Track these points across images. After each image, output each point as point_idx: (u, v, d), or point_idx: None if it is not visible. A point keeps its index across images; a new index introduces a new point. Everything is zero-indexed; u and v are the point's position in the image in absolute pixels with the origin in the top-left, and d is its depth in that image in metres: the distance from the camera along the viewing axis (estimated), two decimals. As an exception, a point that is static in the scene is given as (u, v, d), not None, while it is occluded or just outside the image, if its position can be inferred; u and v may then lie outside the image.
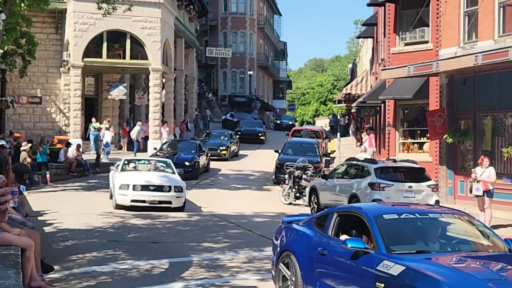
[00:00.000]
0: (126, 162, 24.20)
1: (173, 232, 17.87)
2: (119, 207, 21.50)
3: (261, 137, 52.30)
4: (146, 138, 39.16)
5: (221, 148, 39.67)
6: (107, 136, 36.58)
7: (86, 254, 14.50)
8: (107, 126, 37.08)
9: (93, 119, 37.95)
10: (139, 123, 39.92)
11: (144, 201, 21.47)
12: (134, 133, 38.35)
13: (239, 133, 49.92)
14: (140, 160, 26.01)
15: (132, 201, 21.37)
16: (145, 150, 37.56)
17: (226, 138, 41.71)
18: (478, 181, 19.25)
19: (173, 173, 23.76)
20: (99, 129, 36.73)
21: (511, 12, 22.08)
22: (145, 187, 21.69)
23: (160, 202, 21.59)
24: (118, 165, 24.10)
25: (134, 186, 21.51)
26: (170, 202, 21.69)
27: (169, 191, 21.75)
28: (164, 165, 24.68)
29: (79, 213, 20.87)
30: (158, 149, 34.22)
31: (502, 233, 18.66)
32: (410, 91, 27.08)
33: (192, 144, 34.41)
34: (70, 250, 15.03)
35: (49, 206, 22.05)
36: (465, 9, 24.16)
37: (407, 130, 28.99)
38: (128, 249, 15.24)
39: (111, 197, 23.25)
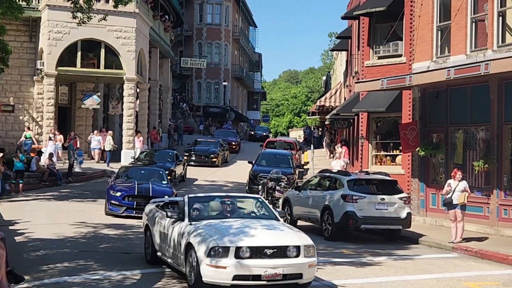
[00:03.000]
0: (189, 200, 14.15)
1: (146, 243, 17.74)
2: (207, 286, 12.17)
3: (213, 159, 42.44)
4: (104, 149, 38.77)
5: None
6: (49, 147, 34.89)
7: (57, 264, 14.40)
8: (51, 136, 36.01)
9: (26, 128, 36.91)
10: (110, 132, 39.73)
11: (259, 277, 12.04)
12: (106, 143, 38.14)
13: (186, 153, 41.71)
14: (213, 197, 15.13)
15: (236, 277, 11.97)
16: (115, 160, 37.33)
17: (170, 160, 34.43)
18: (464, 191, 19.41)
19: (277, 219, 14.09)
20: (52, 138, 35.68)
21: (483, 27, 22.37)
22: (257, 251, 12.20)
23: (284, 276, 12.20)
24: (162, 205, 15.56)
25: (238, 250, 12.05)
26: (299, 276, 12.42)
27: (297, 255, 12.44)
28: (256, 204, 14.88)
29: (51, 222, 20.70)
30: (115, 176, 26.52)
31: (474, 246, 18.87)
32: (384, 104, 27.28)
33: (158, 173, 26.59)
34: (41, 260, 14.92)
35: (20, 215, 21.86)
36: (438, 24, 24.44)
37: (380, 143, 29.16)
38: (100, 259, 15.15)
39: (152, 261, 15.00)
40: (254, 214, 14.45)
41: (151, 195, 22.31)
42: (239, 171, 38.62)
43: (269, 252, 12.19)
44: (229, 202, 14.65)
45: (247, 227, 12.93)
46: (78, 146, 37.21)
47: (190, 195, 14.62)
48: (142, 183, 24.06)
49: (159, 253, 14.61)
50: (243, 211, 14.59)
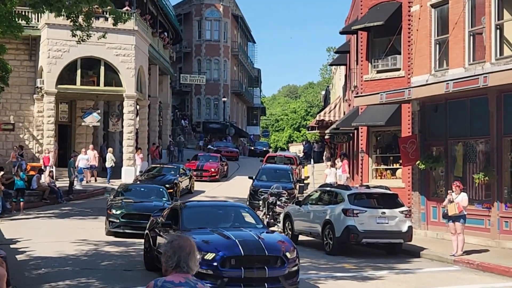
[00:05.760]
0: None
1: (147, 260, 17.73)
2: None
3: (169, 190, 30.41)
4: (91, 167, 38.23)
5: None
6: (23, 166, 33.77)
7: (59, 282, 14.39)
8: (20, 153, 35.48)
9: None
10: (110, 149, 39.74)
11: None
12: (107, 161, 38.13)
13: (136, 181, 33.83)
14: None
15: None
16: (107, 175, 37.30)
17: (166, 199, 24.79)
18: (451, 202, 19.42)
19: None
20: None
21: (481, 40, 22.46)
22: None
23: None
24: None
25: None
26: None
27: None
28: None
29: (52, 240, 20.69)
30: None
31: (476, 258, 18.86)
32: (383, 117, 27.32)
33: (236, 210, 17.15)
34: (43, 278, 14.91)
35: (21, 234, 21.85)
36: (436, 37, 24.54)
37: (380, 156, 29.18)
38: (102, 277, 15.14)
39: None
40: None
41: (266, 254, 13.67)
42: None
43: None
44: None
45: None
46: (50, 164, 35.72)
47: None
48: (235, 231, 14.68)
49: None
50: None
